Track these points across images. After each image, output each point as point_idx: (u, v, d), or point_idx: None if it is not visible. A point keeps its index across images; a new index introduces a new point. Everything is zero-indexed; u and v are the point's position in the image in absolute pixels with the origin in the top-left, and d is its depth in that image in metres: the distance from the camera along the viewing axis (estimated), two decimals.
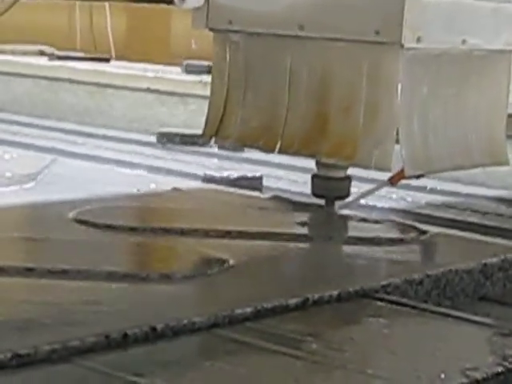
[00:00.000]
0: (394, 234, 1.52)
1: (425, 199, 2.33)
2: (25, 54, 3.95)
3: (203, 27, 1.51)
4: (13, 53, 4.00)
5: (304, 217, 1.62)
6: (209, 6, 1.48)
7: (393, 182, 1.67)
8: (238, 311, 1.11)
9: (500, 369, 1.00)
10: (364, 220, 1.65)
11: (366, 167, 1.44)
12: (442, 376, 0.96)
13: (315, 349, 1.03)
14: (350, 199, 1.68)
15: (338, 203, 1.66)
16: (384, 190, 2.18)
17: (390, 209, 2.16)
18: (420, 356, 1.03)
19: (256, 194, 1.95)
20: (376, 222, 1.64)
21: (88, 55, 4.09)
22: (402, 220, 1.82)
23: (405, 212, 2.14)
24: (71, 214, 1.52)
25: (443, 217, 2.11)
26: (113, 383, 0.92)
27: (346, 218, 1.69)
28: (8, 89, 3.61)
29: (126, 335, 1.01)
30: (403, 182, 2.27)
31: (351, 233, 1.51)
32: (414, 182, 2.35)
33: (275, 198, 1.79)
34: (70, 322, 1.05)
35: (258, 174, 2.23)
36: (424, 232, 1.53)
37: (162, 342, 1.03)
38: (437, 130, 1.42)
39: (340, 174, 1.55)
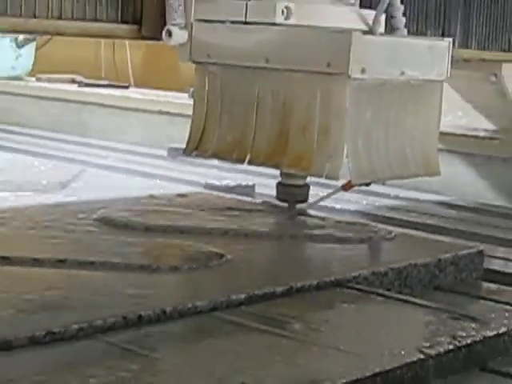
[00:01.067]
0: (364, 234, 1.52)
1: (383, 203, 2.35)
2: (59, 81, 3.95)
3: (187, 60, 1.53)
4: (49, 81, 3.99)
5: (288, 219, 1.63)
6: (191, 42, 1.50)
7: (345, 188, 1.68)
8: (234, 297, 1.11)
9: (451, 346, 1.01)
10: (338, 222, 1.65)
11: (319, 177, 1.45)
12: (402, 352, 0.96)
13: (297, 329, 1.04)
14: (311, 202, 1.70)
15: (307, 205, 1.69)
16: (352, 196, 2.21)
17: (357, 211, 2.17)
18: (384, 335, 1.04)
19: (249, 199, 1.95)
20: (348, 223, 1.64)
21: (111, 83, 4.09)
22: (366, 221, 1.83)
23: (366, 214, 2.15)
24: (96, 215, 1.52)
25: (397, 218, 2.12)
26: (129, 356, 0.92)
27: (321, 219, 1.69)
28: (44, 111, 3.61)
29: (140, 316, 1.02)
30: (368, 188, 2.31)
31: (327, 232, 1.51)
32: (379, 190, 2.39)
33: (264, 202, 1.79)
34: (94, 305, 1.05)
35: (250, 183, 2.23)
36: (389, 232, 1.53)
37: (171, 323, 1.03)
38: (378, 147, 1.43)
39: (300, 182, 1.56)
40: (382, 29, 1.54)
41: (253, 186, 2.18)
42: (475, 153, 2.51)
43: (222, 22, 1.48)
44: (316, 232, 1.51)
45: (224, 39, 1.47)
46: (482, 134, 2.65)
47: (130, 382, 0.85)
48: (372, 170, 1.46)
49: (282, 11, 1.41)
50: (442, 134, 2.51)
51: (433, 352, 0.98)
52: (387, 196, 2.42)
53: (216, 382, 0.85)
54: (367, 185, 1.65)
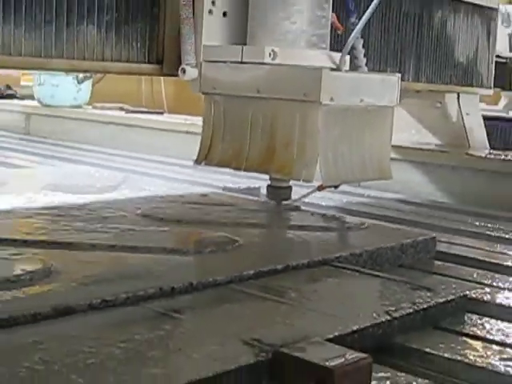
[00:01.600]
0: (343, 225, 1.52)
1: (357, 201, 2.36)
2: (110, 109, 3.96)
3: (198, 91, 1.53)
4: (102, 108, 4.01)
5: (288, 214, 1.63)
6: (200, 78, 1.50)
7: (319, 189, 1.70)
8: (244, 273, 1.11)
9: (411, 310, 1.01)
10: (323, 215, 1.65)
11: (297, 180, 1.47)
12: (374, 315, 0.97)
13: (293, 297, 1.04)
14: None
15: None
16: (334, 196, 2.23)
17: (337, 207, 2.18)
18: (359, 302, 1.04)
19: (255, 198, 1.96)
20: (331, 217, 1.64)
21: (149, 110, 4.10)
22: (345, 214, 1.83)
23: (344, 209, 2.16)
24: (138, 211, 1.52)
25: (367, 211, 2.14)
26: (163, 319, 0.92)
27: (310, 214, 1.69)
28: (99, 132, 3.62)
29: (173, 288, 1.02)
30: (345, 189, 2.33)
31: (314, 224, 1.51)
32: (354, 190, 2.42)
33: (266, 202, 1.79)
34: (138, 280, 1.06)
35: (257, 186, 2.23)
36: (363, 223, 1.53)
37: (196, 293, 1.03)
38: (344, 157, 1.44)
39: (284, 184, 1.57)
40: (347, 67, 1.54)
41: (259, 188, 2.17)
42: (427, 162, 2.53)
43: (224, 62, 1.48)
44: (306, 223, 1.51)
45: (225, 75, 1.48)
46: (432, 147, 2.67)
47: (164, 338, 0.85)
48: (338, 175, 1.48)
49: (270, 54, 1.42)
50: (402, 147, 2.59)
51: (397, 314, 0.99)
52: (361, 195, 2.44)
53: (230, 337, 0.85)
54: (336, 187, 1.67)
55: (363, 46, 1.74)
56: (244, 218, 1.54)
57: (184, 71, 1.48)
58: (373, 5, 1.48)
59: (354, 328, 0.91)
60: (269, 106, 1.43)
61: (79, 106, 4.10)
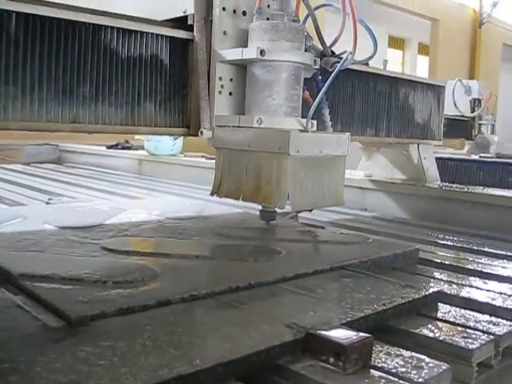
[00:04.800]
0: (354, 239, 1.51)
1: (344, 217, 2.37)
2: (195, 156, 3.96)
3: (212, 146, 1.56)
4: (189, 156, 4.03)
5: (316, 232, 1.62)
6: (213, 137, 1.53)
7: (298, 212, 1.80)
8: (287, 275, 1.11)
9: (400, 301, 1.00)
10: (340, 233, 1.64)
11: (275, 207, 1.49)
12: (375, 305, 0.96)
13: (320, 292, 1.04)
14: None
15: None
16: (326, 214, 2.29)
17: (329, 222, 2.20)
18: (365, 296, 1.03)
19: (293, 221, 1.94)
20: (344, 233, 1.63)
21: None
22: (338, 228, 1.82)
23: (335, 223, 2.17)
24: (215, 229, 1.53)
25: (350, 225, 2.15)
26: (231, 308, 0.93)
27: (332, 232, 1.68)
28: (188, 172, 3.65)
29: (238, 287, 1.02)
30: (335, 210, 2.39)
31: (334, 239, 1.51)
32: (341, 210, 2.44)
33: (299, 223, 1.79)
34: (214, 279, 1.07)
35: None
36: (368, 238, 1.52)
37: (254, 290, 1.04)
38: (308, 190, 1.45)
39: (271, 209, 1.57)
40: (314, 128, 1.56)
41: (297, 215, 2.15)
42: (396, 191, 2.60)
43: (228, 126, 1.51)
44: (329, 238, 1.51)
45: (229, 135, 1.51)
46: (399, 181, 2.73)
47: (231, 322, 0.86)
48: (304, 203, 1.47)
49: (257, 120, 1.45)
50: (378, 181, 2.68)
51: (391, 305, 0.98)
52: (346, 214, 2.45)
53: (276, 321, 0.86)
54: (310, 210, 1.67)
55: (329, 113, 1.75)
56: (284, 235, 1.55)
57: (202, 133, 1.52)
58: (327, 83, 1.51)
59: (361, 315, 0.92)
60: (256, 157, 1.45)
61: (174, 155, 4.13)
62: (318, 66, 1.60)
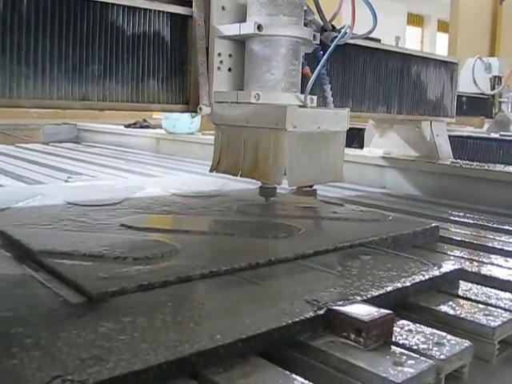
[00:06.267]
0: (374, 216, 1.50)
1: (354, 194, 2.40)
2: (212, 135, 3.94)
3: (211, 122, 1.54)
4: (207, 134, 4.01)
5: (336, 209, 1.62)
6: (212, 113, 1.51)
7: (299, 189, 1.80)
8: (306, 252, 1.11)
9: (421, 278, 1.00)
10: (360, 210, 1.63)
11: (273, 183, 1.46)
12: (395, 283, 0.96)
13: (340, 270, 1.03)
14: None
15: None
16: (336, 190, 2.35)
17: (339, 198, 2.21)
18: (385, 273, 1.02)
19: (312, 198, 1.93)
20: (363, 211, 1.62)
21: None
22: (349, 204, 1.81)
23: (345, 200, 2.17)
24: (235, 207, 1.53)
25: (362, 201, 2.17)
26: (251, 284, 0.93)
27: (351, 209, 1.67)
28: (206, 151, 3.64)
29: (257, 263, 1.02)
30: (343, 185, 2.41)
31: (354, 216, 1.50)
32: (350, 186, 2.50)
33: (318, 200, 1.78)
34: (234, 256, 1.06)
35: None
36: (388, 216, 1.51)
37: (273, 266, 1.04)
38: (305, 166, 1.42)
39: (271, 185, 1.56)
40: (314, 104, 1.52)
41: (315, 190, 2.13)
42: (409, 168, 2.60)
43: (226, 102, 1.49)
44: (348, 216, 1.50)
45: (227, 111, 1.48)
46: (412, 158, 2.73)
47: (251, 298, 0.86)
48: (300, 179, 1.45)
49: (255, 96, 1.42)
50: (391, 158, 2.69)
51: (411, 282, 0.98)
52: (357, 190, 2.45)
53: (297, 298, 0.85)
54: (310, 186, 1.71)
55: (331, 89, 1.74)
56: (303, 212, 1.54)
57: (201, 109, 1.50)
58: (325, 57, 1.48)
59: (382, 292, 0.91)
60: (254, 132, 1.43)
61: (192, 133, 4.13)
62: (318, 41, 1.58)
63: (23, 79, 1.31)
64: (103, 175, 2.69)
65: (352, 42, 2.04)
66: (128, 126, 4.91)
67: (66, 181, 2.20)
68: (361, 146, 3.96)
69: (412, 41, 14.63)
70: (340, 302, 0.83)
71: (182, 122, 4.11)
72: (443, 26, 15.07)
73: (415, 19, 14.98)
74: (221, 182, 2.06)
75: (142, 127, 4.90)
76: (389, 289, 0.93)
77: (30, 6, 1.30)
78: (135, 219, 1.33)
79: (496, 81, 6.13)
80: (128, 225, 1.26)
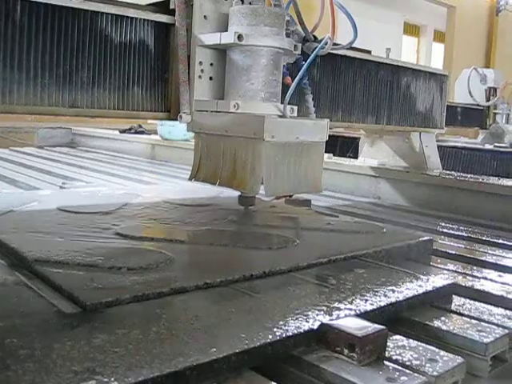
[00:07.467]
0: (368, 229, 1.50)
1: (341, 203, 2.41)
2: None
3: (190, 131, 1.56)
4: None
5: (330, 220, 1.61)
6: (192, 122, 1.52)
7: (278, 198, 1.80)
8: (300, 264, 1.11)
9: (415, 293, 1.00)
10: (354, 221, 1.63)
11: (250, 193, 1.49)
12: (389, 294, 0.96)
13: (334, 282, 1.03)
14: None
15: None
16: (323, 199, 2.36)
17: (327, 207, 2.24)
18: (379, 285, 1.03)
19: (307, 208, 1.93)
20: (357, 222, 1.62)
21: None
22: (338, 213, 1.81)
23: (333, 209, 2.19)
24: (230, 217, 1.53)
25: (348, 210, 2.18)
26: (245, 296, 0.93)
27: (346, 221, 1.67)
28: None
29: (252, 275, 1.02)
30: (333, 195, 2.32)
31: (349, 228, 1.50)
32: (339, 196, 2.56)
33: (313, 210, 1.78)
34: (228, 267, 1.06)
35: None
36: (382, 228, 1.52)
37: (268, 278, 1.04)
38: (283, 176, 1.44)
39: (250, 194, 1.57)
40: (295, 114, 1.54)
41: (309, 201, 2.13)
42: (398, 178, 2.64)
43: (206, 111, 1.50)
44: (343, 228, 1.50)
45: (207, 120, 1.50)
46: (401, 168, 2.77)
47: (245, 311, 0.86)
48: (278, 189, 1.47)
49: (234, 105, 1.44)
50: (381, 168, 2.71)
51: (405, 296, 0.98)
52: (350, 200, 2.46)
53: (290, 312, 0.86)
54: (290, 196, 1.72)
55: (312, 99, 1.75)
56: (298, 223, 1.55)
57: (181, 117, 1.51)
58: (303, 68, 1.49)
59: (376, 307, 0.91)
60: (232, 141, 1.44)
61: (188, 140, 4.13)
62: (299, 52, 1.59)
63: (16, 85, 1.33)
64: (98, 181, 2.69)
65: (342, 53, 2.06)
66: (123, 132, 4.91)
67: (61, 186, 2.19)
68: (355, 156, 3.97)
69: (408, 50, 14.69)
70: (334, 317, 0.83)
71: (177, 128, 4.11)
72: (439, 36, 15.15)
73: (411, 29, 15.04)
74: (216, 189, 2.06)
75: (136, 132, 4.90)
76: (382, 304, 0.93)
77: (24, 13, 1.32)
78: (130, 228, 1.33)
79: (491, 92, 6.17)
80: (123, 233, 1.26)
